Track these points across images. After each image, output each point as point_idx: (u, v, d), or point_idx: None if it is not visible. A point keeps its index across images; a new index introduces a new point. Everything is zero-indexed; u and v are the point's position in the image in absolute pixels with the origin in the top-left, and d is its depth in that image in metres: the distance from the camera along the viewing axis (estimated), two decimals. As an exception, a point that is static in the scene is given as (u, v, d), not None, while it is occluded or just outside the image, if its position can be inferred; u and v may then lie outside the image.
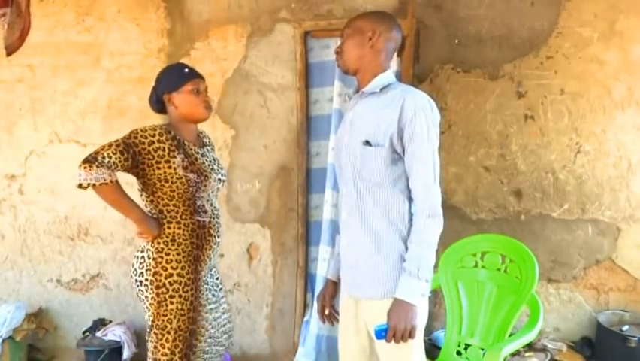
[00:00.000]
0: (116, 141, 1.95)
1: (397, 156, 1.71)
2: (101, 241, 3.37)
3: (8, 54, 3.32)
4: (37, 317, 3.35)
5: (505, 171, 3.08)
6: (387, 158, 1.70)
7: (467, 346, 2.44)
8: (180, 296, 2.05)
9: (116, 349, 3.11)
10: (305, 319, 3.11)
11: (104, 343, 3.12)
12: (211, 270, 2.22)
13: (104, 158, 1.89)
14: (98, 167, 1.88)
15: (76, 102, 3.32)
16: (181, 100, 2.08)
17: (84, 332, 3.24)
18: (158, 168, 2.00)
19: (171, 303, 2.05)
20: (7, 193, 3.42)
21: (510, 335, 2.33)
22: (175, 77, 2.11)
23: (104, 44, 3.28)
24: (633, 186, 2.99)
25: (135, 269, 2.11)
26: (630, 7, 2.93)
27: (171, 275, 2.04)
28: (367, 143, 1.72)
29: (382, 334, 1.65)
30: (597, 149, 3.01)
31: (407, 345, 1.67)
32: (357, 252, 1.78)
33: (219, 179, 2.16)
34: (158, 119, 3.24)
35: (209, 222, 2.12)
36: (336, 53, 1.87)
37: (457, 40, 3.06)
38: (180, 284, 2.06)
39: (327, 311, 2.04)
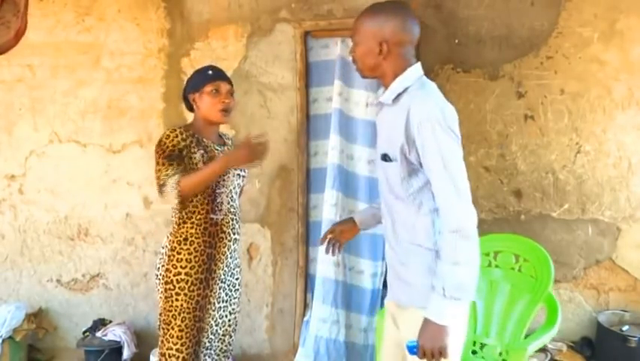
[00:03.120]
0: (157, 161, 2.06)
1: (413, 167, 1.63)
2: (101, 241, 3.37)
3: (0, 53, 3.31)
4: (37, 317, 3.34)
5: (505, 171, 3.07)
6: (403, 171, 1.64)
7: (482, 345, 2.45)
8: (186, 295, 2.12)
9: (116, 349, 3.10)
10: (305, 319, 3.11)
11: (104, 343, 3.11)
12: (233, 269, 2.27)
13: (162, 180, 2.02)
14: (165, 189, 2.02)
15: (76, 102, 3.32)
16: (202, 101, 2.15)
17: (84, 332, 3.24)
18: (190, 163, 2.09)
19: (176, 300, 2.12)
20: (7, 193, 3.41)
21: (525, 336, 2.34)
22: (199, 78, 2.19)
23: (104, 44, 3.27)
24: (633, 186, 2.99)
25: (156, 263, 2.23)
26: (630, 7, 2.93)
27: (179, 273, 2.12)
28: (386, 157, 1.68)
29: (414, 350, 1.64)
30: (597, 149, 3.01)
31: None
32: (391, 260, 1.77)
33: (238, 174, 2.23)
34: (157, 119, 3.27)
35: (223, 219, 2.18)
36: (352, 57, 1.78)
37: (457, 40, 3.06)
38: (187, 283, 2.12)
39: (330, 236, 2.03)
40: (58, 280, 3.42)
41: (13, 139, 3.38)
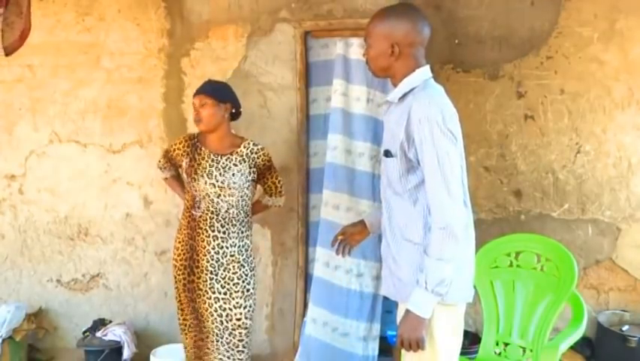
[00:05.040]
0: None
1: (412, 164, 1.68)
2: (101, 241, 3.37)
3: (7, 54, 3.31)
4: (37, 317, 3.34)
5: (505, 171, 3.08)
6: (402, 167, 1.69)
7: (506, 345, 2.46)
8: (174, 277, 2.54)
9: (116, 349, 3.10)
10: (305, 319, 3.10)
11: (104, 343, 3.11)
12: (227, 264, 2.47)
13: (159, 163, 2.73)
14: (158, 168, 2.75)
15: (76, 102, 3.32)
16: None
17: (84, 332, 3.24)
18: (180, 168, 2.58)
19: (173, 282, 2.56)
20: (7, 193, 3.41)
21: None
22: None
23: (104, 44, 3.28)
24: (633, 186, 3.00)
25: None
26: (630, 7, 2.93)
27: (172, 259, 2.56)
28: (387, 153, 1.74)
29: (393, 340, 1.67)
30: (597, 149, 3.01)
31: (425, 356, 1.66)
32: (386, 255, 1.82)
33: (212, 183, 2.42)
34: (157, 119, 3.27)
35: (201, 217, 2.46)
36: (365, 59, 1.84)
37: (457, 41, 3.06)
38: (175, 267, 2.53)
39: (341, 237, 2.06)
40: (58, 280, 3.43)
41: (13, 139, 3.38)
